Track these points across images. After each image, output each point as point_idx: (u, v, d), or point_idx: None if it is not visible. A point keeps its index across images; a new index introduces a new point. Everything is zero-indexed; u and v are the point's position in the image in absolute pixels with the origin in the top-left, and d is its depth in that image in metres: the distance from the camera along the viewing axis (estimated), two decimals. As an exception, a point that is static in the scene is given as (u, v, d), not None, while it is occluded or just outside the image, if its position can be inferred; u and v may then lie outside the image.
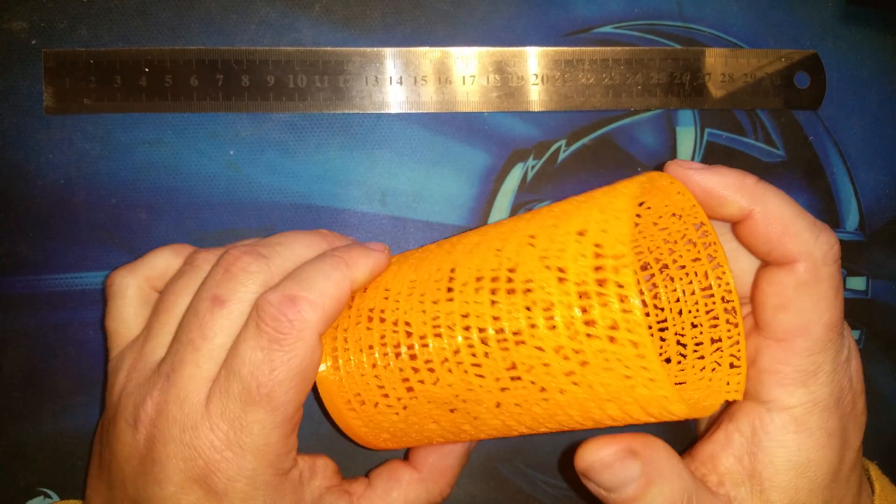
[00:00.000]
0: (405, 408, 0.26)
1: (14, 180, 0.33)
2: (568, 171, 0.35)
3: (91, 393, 0.33)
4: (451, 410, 0.26)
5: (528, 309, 0.23)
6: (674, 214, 0.27)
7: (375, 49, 0.34)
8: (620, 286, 0.21)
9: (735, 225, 0.26)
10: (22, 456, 0.33)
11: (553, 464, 0.35)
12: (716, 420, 0.28)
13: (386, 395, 0.26)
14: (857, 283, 0.36)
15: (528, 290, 0.23)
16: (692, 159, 0.35)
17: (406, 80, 0.34)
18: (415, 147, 0.34)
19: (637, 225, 0.28)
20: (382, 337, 0.26)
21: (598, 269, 0.22)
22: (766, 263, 0.26)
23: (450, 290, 0.25)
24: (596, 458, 0.25)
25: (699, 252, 0.27)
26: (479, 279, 0.24)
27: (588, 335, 0.22)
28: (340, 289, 0.26)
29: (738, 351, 0.26)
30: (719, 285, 0.27)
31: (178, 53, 0.33)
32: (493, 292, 0.24)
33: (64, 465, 0.33)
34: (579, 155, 0.35)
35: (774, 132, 0.36)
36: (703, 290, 0.27)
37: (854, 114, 0.36)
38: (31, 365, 0.33)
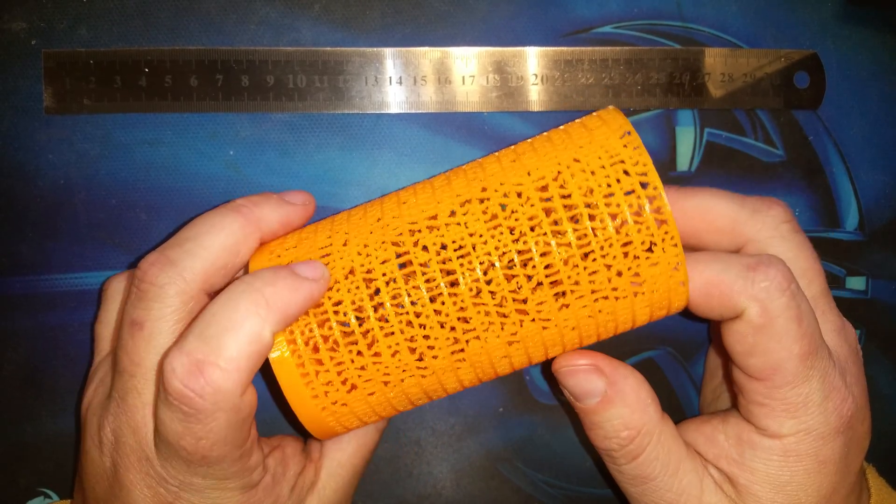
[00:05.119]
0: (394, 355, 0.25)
1: (14, 180, 0.33)
2: (568, 171, 0.35)
3: (91, 393, 0.33)
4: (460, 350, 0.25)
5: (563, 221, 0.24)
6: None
7: (375, 49, 0.34)
8: (654, 187, 0.24)
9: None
10: (22, 456, 0.33)
11: (553, 464, 0.35)
12: (712, 413, 0.28)
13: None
14: (857, 283, 0.36)
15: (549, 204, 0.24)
16: (692, 159, 0.35)
17: (406, 80, 0.34)
18: (415, 147, 0.34)
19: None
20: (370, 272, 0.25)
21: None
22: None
23: (452, 213, 0.25)
24: (567, 363, 0.26)
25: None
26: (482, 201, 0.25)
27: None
28: (259, 342, 0.23)
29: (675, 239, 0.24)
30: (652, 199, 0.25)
31: (177, 53, 0.33)
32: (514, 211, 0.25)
33: (64, 466, 0.33)
34: (579, 155, 0.35)
35: (774, 132, 0.35)
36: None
37: (854, 114, 0.36)
38: (31, 365, 0.33)
